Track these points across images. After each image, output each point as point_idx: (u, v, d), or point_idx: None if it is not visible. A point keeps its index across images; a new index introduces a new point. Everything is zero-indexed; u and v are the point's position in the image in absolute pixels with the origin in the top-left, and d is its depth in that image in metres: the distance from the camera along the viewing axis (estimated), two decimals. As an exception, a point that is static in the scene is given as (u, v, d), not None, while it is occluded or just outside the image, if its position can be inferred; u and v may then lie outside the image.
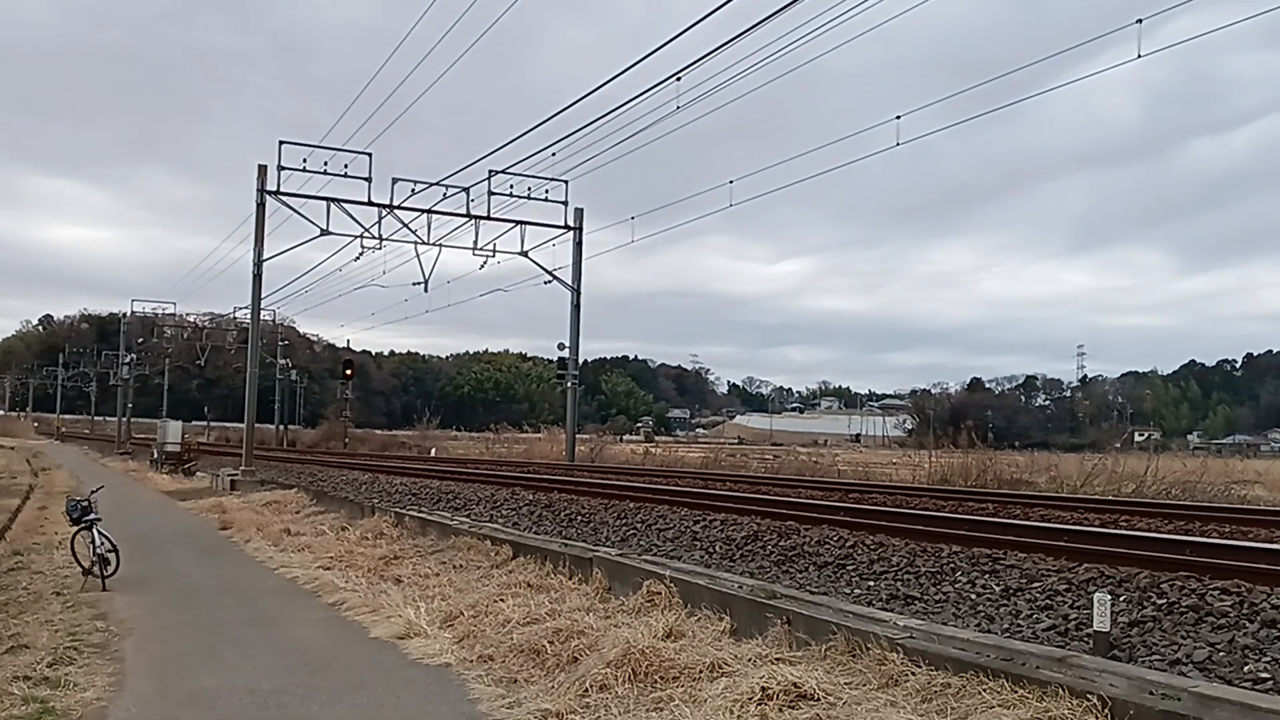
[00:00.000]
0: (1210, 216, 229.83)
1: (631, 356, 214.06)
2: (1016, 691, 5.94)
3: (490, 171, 33.60)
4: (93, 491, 14.34)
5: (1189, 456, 38.15)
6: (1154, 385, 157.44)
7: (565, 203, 35.82)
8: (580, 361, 39.03)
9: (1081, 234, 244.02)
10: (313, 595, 12.52)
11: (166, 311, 74.11)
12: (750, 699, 6.61)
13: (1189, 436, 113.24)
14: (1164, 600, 7.41)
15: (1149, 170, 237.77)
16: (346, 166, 31.95)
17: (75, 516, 13.34)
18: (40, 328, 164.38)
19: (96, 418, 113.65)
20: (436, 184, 33.69)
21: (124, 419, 74.68)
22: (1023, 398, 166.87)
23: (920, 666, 6.64)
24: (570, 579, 11.50)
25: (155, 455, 43.62)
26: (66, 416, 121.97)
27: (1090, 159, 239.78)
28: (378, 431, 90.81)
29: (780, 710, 6.46)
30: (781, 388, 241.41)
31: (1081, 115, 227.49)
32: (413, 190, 33.56)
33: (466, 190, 33.99)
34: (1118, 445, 39.10)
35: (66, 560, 14.02)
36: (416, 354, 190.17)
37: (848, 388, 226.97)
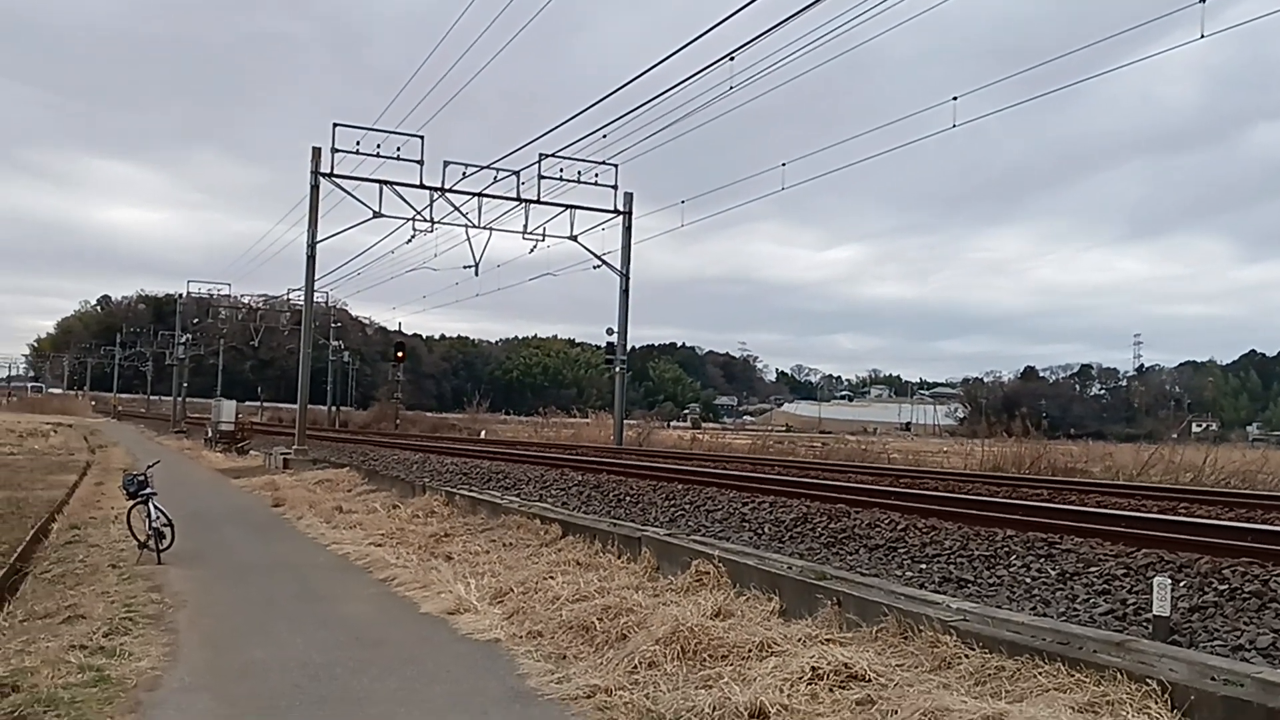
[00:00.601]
0: (1272, 204, 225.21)
1: (679, 343, 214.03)
2: (1073, 675, 5.84)
3: (540, 155, 33.66)
4: (149, 467, 14.55)
5: (1248, 448, 37.44)
6: (1212, 375, 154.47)
7: (615, 187, 35.79)
8: (628, 348, 39.01)
9: (1138, 221, 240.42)
10: (364, 571, 12.62)
11: (221, 293, 75.02)
12: (800, 678, 6.56)
13: (1248, 428, 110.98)
14: (1226, 586, 7.26)
15: (1209, 156, 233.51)
16: (399, 149, 32.17)
17: (131, 491, 13.55)
18: (98, 308, 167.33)
19: (152, 397, 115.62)
20: (487, 167, 33.81)
21: (179, 398, 75.90)
22: (1077, 387, 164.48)
23: (974, 649, 6.55)
24: (619, 558, 11.50)
25: (210, 434, 44.27)
26: (123, 395, 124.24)
27: (1149, 145, 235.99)
28: (428, 414, 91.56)
29: (831, 690, 6.41)
30: (831, 376, 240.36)
31: (1140, 100, 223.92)
32: (464, 173, 33.71)
33: (517, 174, 34.09)
34: (1174, 436, 38.38)
35: (122, 534, 14.24)
36: (466, 338, 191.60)
37: (898, 376, 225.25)
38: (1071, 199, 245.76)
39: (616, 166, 34.70)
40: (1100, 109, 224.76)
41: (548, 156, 33.63)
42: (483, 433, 56.26)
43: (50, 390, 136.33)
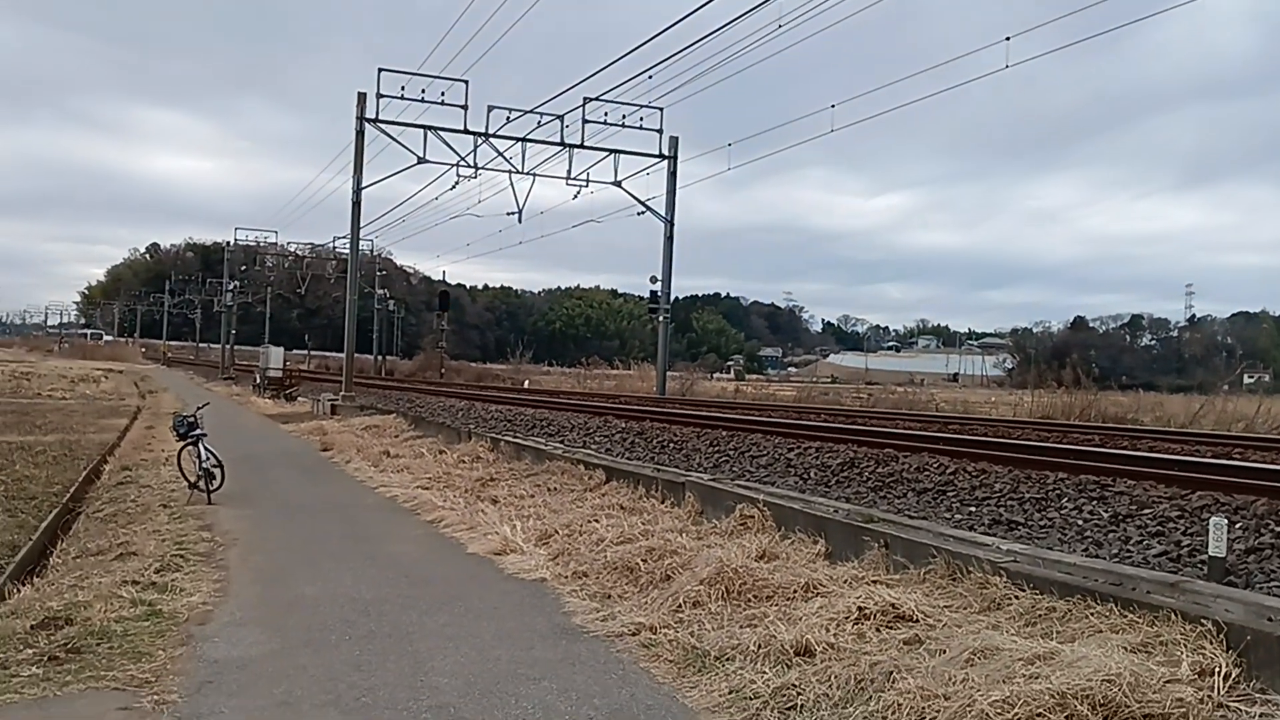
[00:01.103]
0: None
1: (723, 294, 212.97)
2: (1126, 616, 5.74)
3: (584, 99, 33.42)
4: (198, 408, 14.71)
5: (1303, 399, 36.68)
6: (1265, 325, 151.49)
7: (660, 131, 35.40)
8: (671, 298, 38.84)
9: (1192, 169, 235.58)
10: (411, 513, 12.73)
11: (268, 241, 75.47)
12: (846, 618, 6.52)
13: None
14: (1284, 528, 7.11)
15: (1265, 103, 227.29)
16: (443, 94, 32.06)
17: (182, 432, 13.71)
18: (148, 256, 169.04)
19: (201, 344, 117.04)
20: (531, 112, 33.61)
21: (228, 345, 76.81)
22: (1127, 337, 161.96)
23: (1024, 590, 6.46)
24: (663, 503, 11.48)
25: (258, 380, 44.80)
26: (172, 342, 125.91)
27: (1203, 92, 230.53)
28: (472, 364, 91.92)
29: (878, 629, 6.36)
30: (878, 326, 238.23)
31: (1195, 46, 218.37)
32: (508, 118, 33.53)
33: (560, 118, 33.84)
34: (1226, 386, 37.71)
35: (173, 476, 14.46)
36: (509, 288, 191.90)
37: (946, 326, 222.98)
38: (1124, 146, 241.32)
39: (661, 110, 34.40)
40: (1153, 54, 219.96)
41: (592, 100, 33.40)
42: (526, 382, 56.49)
43: (108, 338, 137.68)
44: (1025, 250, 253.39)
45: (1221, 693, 4.91)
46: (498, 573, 9.19)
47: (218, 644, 6.71)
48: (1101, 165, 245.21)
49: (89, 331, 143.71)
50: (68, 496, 13.31)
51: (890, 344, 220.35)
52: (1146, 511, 8.10)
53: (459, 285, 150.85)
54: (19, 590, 8.20)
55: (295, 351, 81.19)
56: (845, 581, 7.47)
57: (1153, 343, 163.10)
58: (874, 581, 7.35)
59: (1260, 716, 4.71)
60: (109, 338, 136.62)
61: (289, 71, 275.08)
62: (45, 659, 6.18)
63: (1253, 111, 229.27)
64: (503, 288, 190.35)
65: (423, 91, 31.88)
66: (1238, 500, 7.89)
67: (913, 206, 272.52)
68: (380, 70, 31.75)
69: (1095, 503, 8.62)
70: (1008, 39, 20.19)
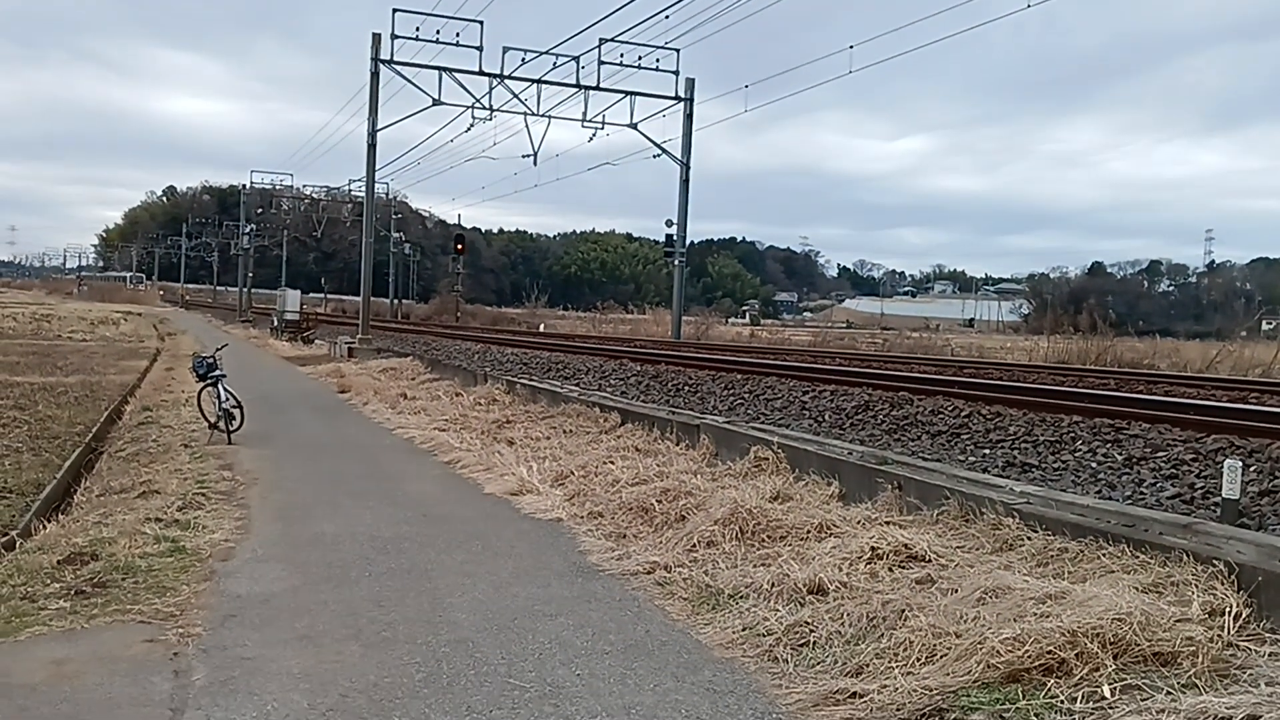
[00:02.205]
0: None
1: (739, 238, 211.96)
2: (1138, 557, 5.78)
3: (600, 40, 33.04)
4: (217, 349, 14.83)
5: (1323, 345, 36.41)
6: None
7: (676, 73, 34.98)
8: (687, 243, 38.68)
9: (1219, 112, 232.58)
10: (429, 454, 12.84)
11: (284, 184, 75.38)
12: (859, 557, 6.59)
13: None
14: (1298, 472, 7.12)
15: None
16: (458, 35, 31.72)
17: (201, 373, 13.82)
18: (164, 199, 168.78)
19: (218, 287, 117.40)
20: (546, 53, 33.26)
21: (244, 288, 77.02)
22: (1145, 283, 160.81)
23: (1036, 531, 6.51)
24: (677, 445, 11.54)
25: (275, 323, 44.96)
26: (190, 285, 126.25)
27: (1232, 32, 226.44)
28: (487, 308, 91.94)
29: (890, 569, 6.42)
30: (894, 271, 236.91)
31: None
32: (523, 60, 33.21)
33: (576, 59, 33.52)
34: (1244, 333, 37.44)
35: (193, 416, 14.59)
36: (525, 232, 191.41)
37: (963, 271, 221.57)
38: (1150, 88, 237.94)
39: (678, 51, 33.99)
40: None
41: (608, 41, 33.05)
42: (541, 326, 56.54)
43: (143, 284, 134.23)
44: (1045, 195, 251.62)
45: (1231, 632, 4.96)
46: (514, 512, 9.30)
47: (240, 580, 6.83)
48: (1125, 108, 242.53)
49: (128, 275, 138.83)
50: (90, 436, 13.44)
51: (906, 289, 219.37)
52: (1161, 454, 8.12)
53: (474, 229, 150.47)
54: (45, 527, 8.32)
55: (312, 295, 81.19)
56: (858, 522, 7.54)
57: (1171, 289, 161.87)
58: (887, 523, 7.40)
59: (1269, 655, 4.75)
60: (144, 283, 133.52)
61: (303, 11, 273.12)
62: (72, 593, 6.31)
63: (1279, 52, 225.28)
64: (518, 231, 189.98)
65: (437, 32, 31.61)
66: (1253, 444, 7.90)
67: (932, 150, 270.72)
68: (395, 11, 31.45)
69: (1109, 446, 8.64)
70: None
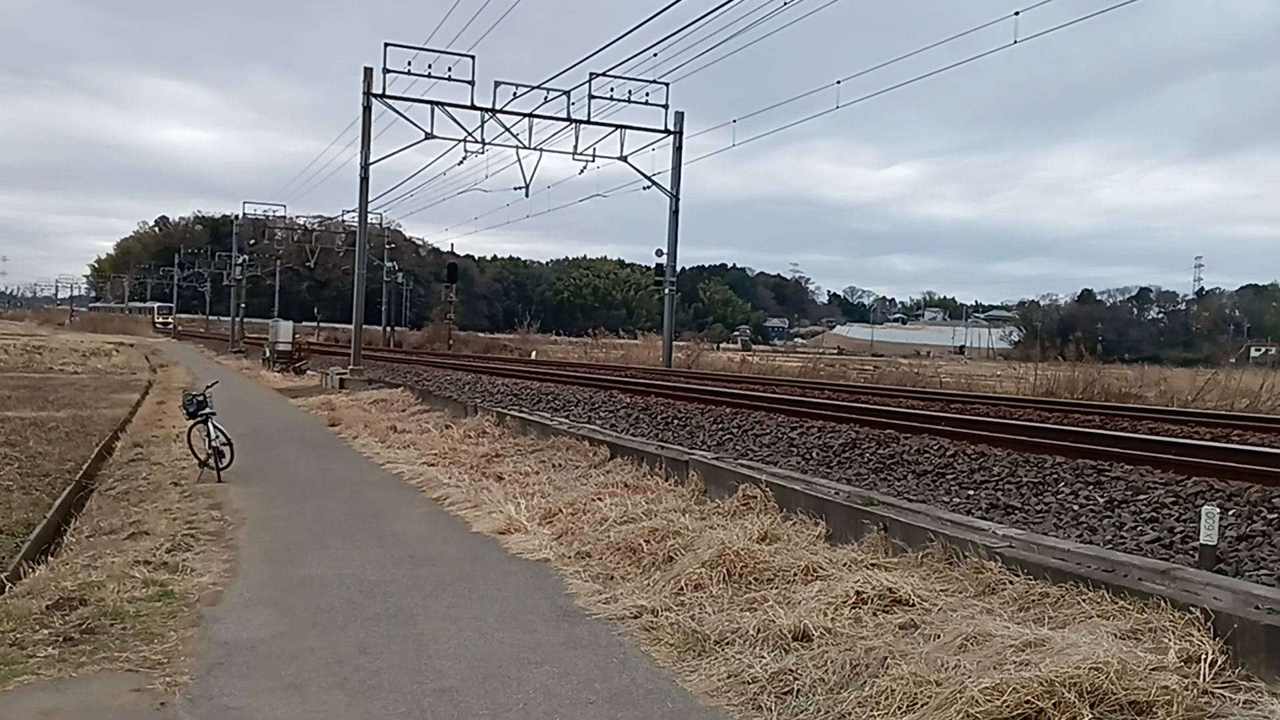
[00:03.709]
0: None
1: (730, 264, 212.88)
2: (1117, 602, 5.84)
3: (591, 74, 33.35)
4: (207, 387, 14.86)
5: (1310, 374, 36.57)
6: (1275, 299, 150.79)
7: (666, 106, 35.34)
8: (678, 269, 38.87)
9: (1209, 138, 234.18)
10: (417, 490, 12.87)
11: (277, 214, 75.57)
12: (845, 602, 6.63)
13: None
14: (1276, 515, 7.21)
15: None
16: (450, 70, 31.97)
17: (191, 411, 13.86)
18: (157, 229, 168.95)
19: (211, 317, 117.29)
20: (538, 87, 33.57)
21: (237, 318, 77.00)
22: (1135, 310, 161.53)
23: (1018, 575, 6.57)
24: (666, 481, 11.59)
25: (267, 354, 44.97)
26: (182, 315, 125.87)
27: (1223, 59, 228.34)
28: (480, 334, 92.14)
29: (874, 614, 6.47)
30: (884, 298, 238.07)
31: (1213, 13, 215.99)
32: (514, 94, 33.51)
33: (567, 94, 33.82)
34: (1232, 360, 37.61)
35: (183, 452, 14.60)
36: (518, 259, 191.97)
37: (953, 299, 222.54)
38: (1140, 115, 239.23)
39: (668, 85, 34.32)
40: (1172, 20, 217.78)
41: (598, 76, 33.33)
42: (533, 353, 56.63)
43: (163, 318, 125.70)
44: (1035, 222, 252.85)
45: (1207, 679, 5.02)
46: (502, 552, 9.33)
47: (227, 625, 6.85)
48: (1117, 134, 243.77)
49: (157, 305, 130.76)
50: (80, 474, 13.47)
51: (896, 316, 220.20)
52: (1141, 497, 8.20)
53: (468, 256, 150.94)
54: (34, 570, 8.36)
55: (305, 324, 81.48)
56: (844, 564, 7.58)
57: (1160, 316, 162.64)
58: (872, 565, 7.45)
59: (1244, 704, 4.81)
60: (163, 316, 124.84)
61: (296, 39, 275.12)
62: (61, 639, 6.33)
63: (1270, 79, 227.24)
64: (511, 258, 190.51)
65: (429, 66, 31.88)
66: (1232, 486, 7.98)
67: (923, 177, 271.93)
68: (387, 45, 31.72)
69: (1091, 487, 8.72)
70: (1016, 14, 20.08)
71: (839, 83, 27.24)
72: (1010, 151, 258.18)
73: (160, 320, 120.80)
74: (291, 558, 9.02)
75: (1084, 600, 5.99)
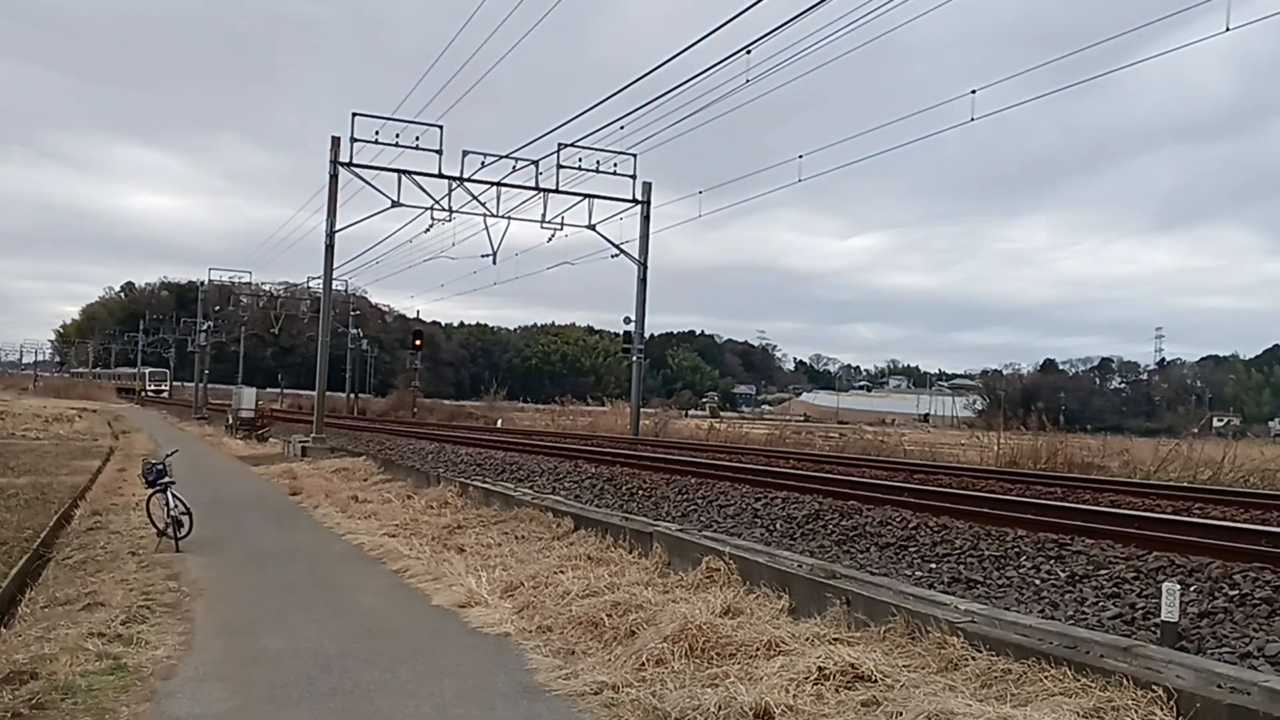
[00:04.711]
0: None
1: (698, 331, 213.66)
2: (1079, 680, 5.83)
3: (559, 145, 33.72)
4: (167, 455, 14.68)
5: (1269, 444, 37.05)
6: (1235, 370, 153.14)
7: (634, 176, 35.74)
8: (646, 336, 39.04)
9: (1168, 212, 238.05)
10: (377, 562, 12.72)
11: (242, 280, 75.61)
12: (807, 678, 6.58)
13: (1270, 423, 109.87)
14: (1236, 591, 7.24)
15: (1242, 146, 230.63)
16: (418, 139, 32.23)
17: (151, 480, 13.68)
18: (122, 294, 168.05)
19: (176, 382, 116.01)
20: (506, 157, 33.90)
21: (201, 385, 76.35)
22: (1097, 380, 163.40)
23: (981, 651, 6.55)
24: (630, 553, 11.51)
25: (230, 421, 44.55)
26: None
27: (1181, 134, 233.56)
28: (446, 401, 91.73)
29: (837, 690, 6.42)
30: (850, 366, 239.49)
31: (1172, 88, 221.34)
32: (482, 163, 33.81)
33: (535, 163, 34.15)
34: (1195, 431, 38.02)
35: (142, 521, 14.38)
36: (485, 325, 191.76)
37: (917, 367, 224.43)
38: (1100, 188, 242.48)
39: (635, 156, 34.75)
40: (1131, 97, 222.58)
41: (566, 146, 33.69)
42: (499, 421, 56.42)
43: (158, 387, 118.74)
44: (998, 292, 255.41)
45: (1169, 759, 5.01)
46: (462, 626, 9.20)
47: (180, 700, 6.71)
48: (1077, 207, 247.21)
49: (149, 370, 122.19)
50: (38, 542, 13.21)
51: (861, 384, 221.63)
52: (1103, 572, 8.22)
53: (434, 323, 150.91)
54: (-14, 642, 8.15)
55: (269, 390, 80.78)
56: (807, 639, 7.53)
57: (1122, 386, 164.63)
58: (835, 639, 7.40)
59: (1205, 784, 4.80)
60: (155, 384, 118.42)
61: (264, 108, 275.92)
62: (10, 716, 6.17)
63: (1230, 153, 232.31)
64: (478, 325, 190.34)
65: (397, 136, 32.12)
66: (1193, 561, 8.03)
67: (887, 247, 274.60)
68: (354, 115, 31.98)
69: (1053, 562, 8.74)
70: (973, 92, 20.45)
71: (800, 157, 27.60)
72: (971, 223, 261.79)
73: (153, 388, 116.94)
74: (248, 630, 8.86)
75: (1046, 677, 5.97)
